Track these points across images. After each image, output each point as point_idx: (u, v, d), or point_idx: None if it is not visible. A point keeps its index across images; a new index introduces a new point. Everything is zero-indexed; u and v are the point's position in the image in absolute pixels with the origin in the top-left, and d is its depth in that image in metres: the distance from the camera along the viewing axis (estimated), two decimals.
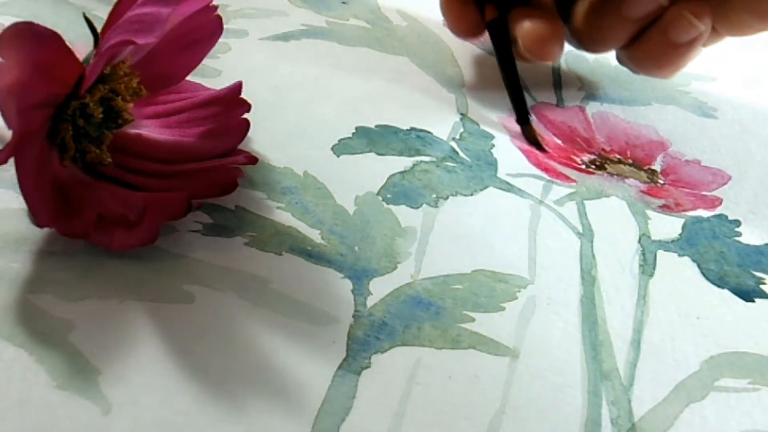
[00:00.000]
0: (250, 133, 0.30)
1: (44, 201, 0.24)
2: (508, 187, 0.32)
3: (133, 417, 0.21)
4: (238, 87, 0.30)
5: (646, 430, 0.24)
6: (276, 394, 0.22)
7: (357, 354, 0.24)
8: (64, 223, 0.24)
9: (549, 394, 0.24)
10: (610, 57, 0.38)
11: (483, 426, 0.23)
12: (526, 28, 0.35)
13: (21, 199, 0.24)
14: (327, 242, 0.28)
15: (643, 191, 0.34)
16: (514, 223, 0.30)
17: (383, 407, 0.23)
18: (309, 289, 0.26)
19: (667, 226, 0.32)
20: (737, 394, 0.25)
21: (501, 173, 0.33)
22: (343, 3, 0.43)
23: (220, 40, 0.30)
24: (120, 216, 0.25)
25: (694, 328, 0.27)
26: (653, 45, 0.35)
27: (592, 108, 0.38)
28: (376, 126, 0.34)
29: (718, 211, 0.33)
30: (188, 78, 0.30)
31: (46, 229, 0.25)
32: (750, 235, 0.32)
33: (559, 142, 0.36)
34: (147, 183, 0.27)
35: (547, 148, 0.35)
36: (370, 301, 0.26)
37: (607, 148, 0.36)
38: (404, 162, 0.32)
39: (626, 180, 0.34)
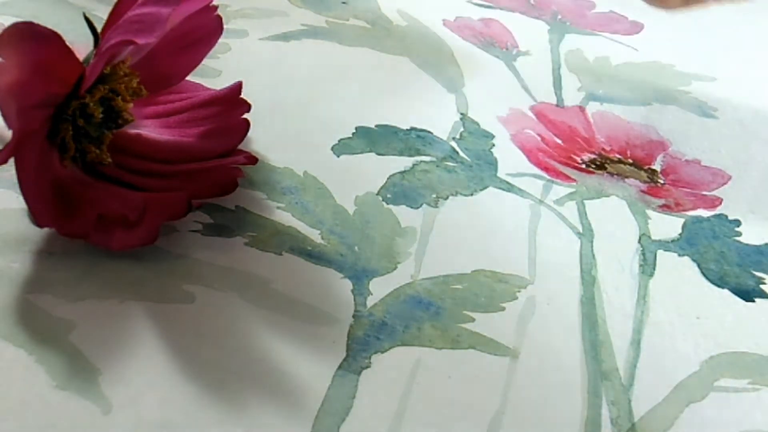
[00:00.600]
0: (250, 133, 0.30)
1: (44, 201, 0.24)
2: (508, 187, 0.32)
3: (134, 417, 0.21)
4: (238, 87, 0.30)
5: (646, 430, 0.24)
6: (276, 394, 0.22)
7: (357, 354, 0.24)
8: (64, 223, 0.24)
9: (549, 394, 0.24)
10: (610, 57, 0.38)
11: (483, 426, 0.23)
12: None
13: (21, 199, 0.24)
14: (327, 242, 0.28)
15: (643, 191, 0.34)
16: (514, 223, 0.30)
17: (383, 407, 0.23)
18: (309, 289, 0.26)
19: (667, 226, 0.32)
20: (737, 394, 0.25)
21: (501, 173, 0.33)
22: (343, 3, 0.43)
23: (220, 40, 0.30)
24: (120, 216, 0.25)
25: (694, 328, 0.27)
26: None
27: (592, 108, 0.38)
28: (376, 126, 0.34)
29: (718, 210, 0.33)
30: (188, 78, 0.30)
31: (46, 229, 0.25)
32: (750, 235, 0.32)
33: (559, 141, 0.36)
34: (147, 183, 0.27)
35: None
36: (370, 301, 0.26)
37: (607, 148, 0.36)
38: (404, 162, 0.32)
39: (626, 180, 0.34)
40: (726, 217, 0.33)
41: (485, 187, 0.32)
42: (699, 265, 0.30)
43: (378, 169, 0.32)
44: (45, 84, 0.23)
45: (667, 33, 0.47)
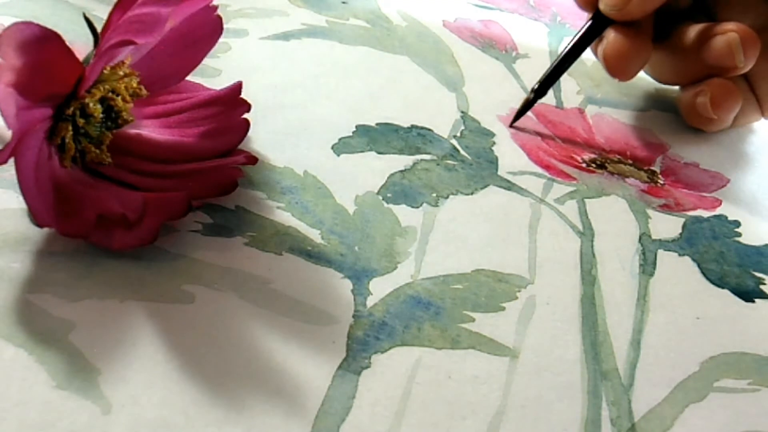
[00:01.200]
0: (250, 133, 0.30)
1: (44, 201, 0.24)
2: (509, 186, 0.32)
3: (133, 417, 0.21)
4: (238, 87, 0.30)
5: (646, 430, 0.24)
6: (276, 394, 0.22)
7: (357, 354, 0.24)
8: (64, 223, 0.24)
9: (549, 394, 0.24)
10: None
11: (483, 426, 0.23)
12: (612, 38, 0.36)
13: (21, 199, 0.24)
14: (327, 242, 0.28)
15: (643, 190, 0.34)
16: (514, 222, 0.30)
17: (383, 407, 0.23)
18: (309, 289, 0.26)
19: (667, 226, 0.32)
20: (737, 395, 0.25)
21: (502, 171, 0.33)
22: (344, 3, 0.43)
23: (220, 40, 0.30)
24: (120, 216, 0.25)
25: (694, 328, 0.27)
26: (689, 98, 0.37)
27: (591, 110, 0.38)
28: (377, 124, 0.34)
29: (717, 211, 0.33)
30: (188, 78, 0.30)
31: (46, 229, 0.25)
32: (750, 236, 0.32)
33: (559, 141, 0.36)
34: (147, 183, 0.27)
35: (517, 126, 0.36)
36: (370, 301, 0.26)
37: (607, 149, 0.36)
38: (405, 160, 0.32)
39: (627, 179, 0.34)
40: (726, 217, 0.33)
41: (486, 186, 0.32)
42: (699, 265, 0.30)
43: (378, 168, 0.32)
44: (45, 84, 0.23)
45: None
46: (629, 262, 0.30)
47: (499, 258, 0.29)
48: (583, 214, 0.32)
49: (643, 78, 0.41)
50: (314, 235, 0.28)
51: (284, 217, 0.28)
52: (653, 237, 0.31)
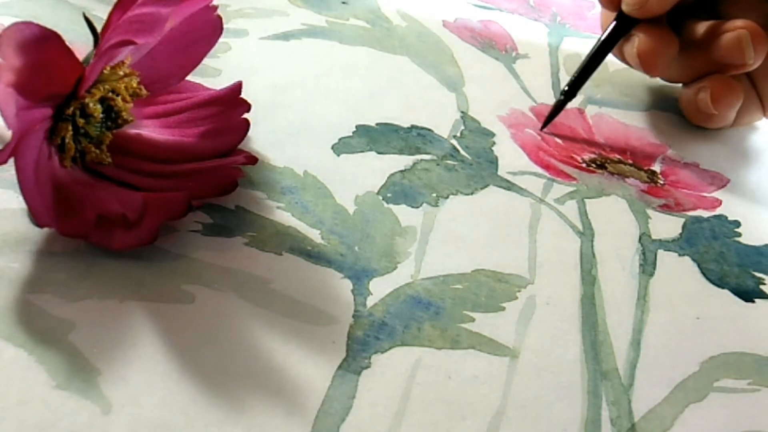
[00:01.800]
0: (250, 133, 0.30)
1: (44, 201, 0.24)
2: (509, 186, 0.32)
3: (133, 417, 0.21)
4: (238, 87, 0.30)
5: (646, 430, 0.24)
6: (276, 394, 0.22)
7: (357, 354, 0.24)
8: (64, 223, 0.24)
9: (549, 394, 0.24)
10: (608, 60, 0.38)
11: (483, 426, 0.23)
12: (642, 37, 0.36)
13: (21, 199, 0.24)
14: (327, 242, 0.28)
15: (643, 190, 0.34)
16: (514, 222, 0.30)
17: (383, 407, 0.23)
18: (309, 289, 0.26)
19: (667, 226, 0.32)
20: (737, 395, 0.25)
21: (502, 171, 0.33)
22: (343, 3, 0.43)
23: (220, 40, 0.30)
24: (120, 216, 0.25)
25: (694, 328, 0.27)
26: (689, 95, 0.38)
27: (591, 110, 0.38)
28: (377, 124, 0.34)
29: (717, 211, 0.33)
30: (188, 78, 0.30)
31: (46, 229, 0.25)
32: (750, 236, 0.32)
33: (559, 141, 0.36)
34: (147, 183, 0.27)
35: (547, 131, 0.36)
36: (370, 301, 0.26)
37: (607, 149, 0.36)
38: (405, 160, 0.32)
39: (627, 179, 0.34)
40: (726, 217, 0.33)
41: (486, 186, 0.32)
42: (699, 265, 0.30)
43: (378, 167, 0.32)
44: (45, 84, 0.23)
45: None
46: (629, 262, 0.30)
47: (499, 258, 0.29)
48: (583, 214, 0.32)
49: (643, 78, 0.41)
50: (314, 235, 0.28)
51: (284, 217, 0.28)
52: (653, 237, 0.31)
